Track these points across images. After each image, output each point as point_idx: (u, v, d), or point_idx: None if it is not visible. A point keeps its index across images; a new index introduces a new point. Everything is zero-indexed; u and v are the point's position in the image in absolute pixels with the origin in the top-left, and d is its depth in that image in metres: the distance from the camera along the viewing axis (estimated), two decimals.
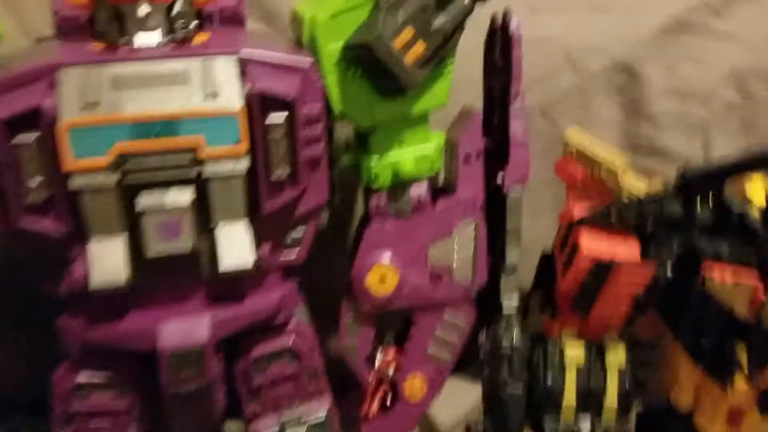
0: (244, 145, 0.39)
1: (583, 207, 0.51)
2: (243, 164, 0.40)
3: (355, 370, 0.52)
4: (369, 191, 0.49)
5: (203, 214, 0.41)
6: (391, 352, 0.54)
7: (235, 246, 0.42)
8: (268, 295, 0.46)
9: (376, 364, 0.54)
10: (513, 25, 0.47)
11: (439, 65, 0.45)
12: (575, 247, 0.50)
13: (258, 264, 0.44)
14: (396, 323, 0.54)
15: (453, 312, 0.52)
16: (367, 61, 0.42)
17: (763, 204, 0.51)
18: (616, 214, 0.49)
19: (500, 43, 0.50)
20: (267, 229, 0.44)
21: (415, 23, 0.42)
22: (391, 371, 0.53)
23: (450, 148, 0.50)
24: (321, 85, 0.43)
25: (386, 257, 0.49)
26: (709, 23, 0.63)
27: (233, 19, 0.47)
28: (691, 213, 0.49)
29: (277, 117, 0.40)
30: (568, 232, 0.52)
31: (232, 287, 0.45)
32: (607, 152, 0.53)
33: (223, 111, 0.38)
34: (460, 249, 0.50)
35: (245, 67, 0.40)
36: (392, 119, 0.47)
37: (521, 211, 0.50)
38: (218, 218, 0.41)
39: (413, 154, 0.48)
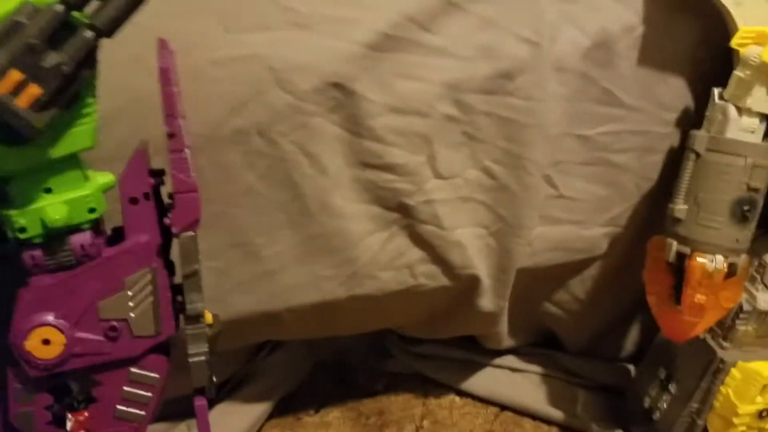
0: None
1: None
2: None
3: None
4: (23, 245, 0.44)
5: None
6: (82, 416, 0.49)
7: None
8: None
9: (68, 428, 0.48)
10: (160, 56, 0.43)
11: (75, 106, 0.41)
12: None
13: None
14: (86, 383, 0.49)
15: (140, 367, 0.48)
16: None
17: None
18: None
19: None
20: None
21: (22, 65, 0.37)
22: None
23: None
24: None
25: (48, 318, 0.44)
26: (419, 38, 0.63)
27: None
28: None
29: None
30: None
31: None
32: None
33: None
34: (137, 301, 0.46)
35: None
36: (27, 168, 0.41)
37: (196, 255, 0.46)
38: None
39: (64, 200, 0.43)
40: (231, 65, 0.57)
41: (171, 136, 0.43)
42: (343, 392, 0.89)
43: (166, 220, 0.45)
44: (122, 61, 0.52)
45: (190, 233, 0.45)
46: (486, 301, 0.76)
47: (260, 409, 0.81)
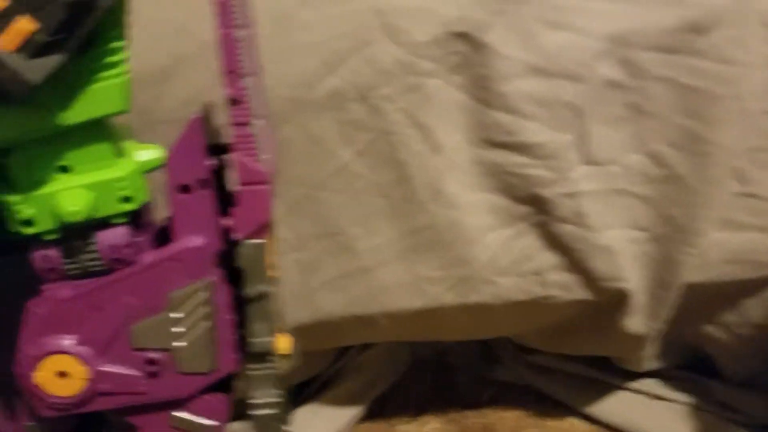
0: None
1: None
2: None
3: None
4: (29, 240, 0.32)
5: None
6: None
7: None
8: None
9: None
10: None
11: (93, 50, 0.28)
12: None
13: None
14: (119, 427, 0.37)
15: (189, 411, 0.36)
16: None
17: None
18: None
19: None
20: None
21: None
22: None
23: None
24: None
25: (66, 344, 0.33)
26: None
27: None
28: None
29: None
30: None
31: None
32: None
33: None
34: (186, 325, 0.34)
35: None
36: (31, 138, 0.30)
37: (264, 270, 0.33)
38: None
39: (86, 183, 0.31)
40: (328, 7, 0.44)
41: (233, 102, 0.30)
42: (444, 399, 0.78)
43: (226, 221, 0.32)
44: None
45: (257, 241, 0.32)
46: (635, 322, 0.61)
47: (351, 412, 0.72)
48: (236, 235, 0.32)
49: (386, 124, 0.49)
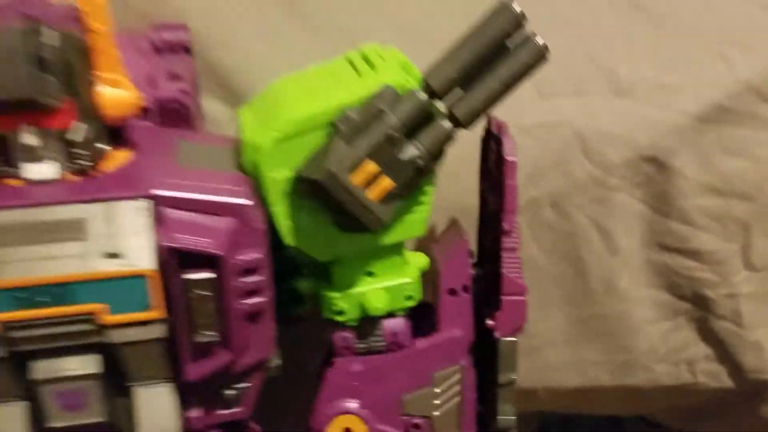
0: (157, 311, 0.32)
1: None
2: (156, 331, 0.32)
3: None
4: (333, 324, 0.42)
5: (116, 378, 0.34)
6: None
7: (156, 412, 0.35)
8: None
9: None
10: (506, 146, 0.38)
11: (415, 194, 0.37)
12: None
13: (187, 429, 0.37)
14: None
15: None
16: (320, 195, 0.35)
17: None
18: None
19: (494, 154, 0.41)
20: (198, 389, 0.36)
21: (379, 157, 0.34)
22: None
23: (433, 276, 0.42)
24: (262, 228, 0.35)
25: (353, 406, 0.42)
26: (757, 111, 0.53)
27: (176, 116, 0.40)
28: None
29: (201, 274, 0.32)
30: None
31: None
32: None
33: (128, 272, 0.31)
34: (443, 399, 0.42)
35: (160, 212, 0.32)
36: (355, 253, 0.39)
37: (516, 363, 0.41)
38: (134, 382, 0.34)
39: (385, 286, 0.40)
40: (538, 131, 0.52)
41: (506, 233, 0.39)
42: None
43: (490, 322, 0.40)
44: None
45: (513, 339, 0.40)
46: None
47: None
48: (497, 335, 0.40)
49: (572, 227, 0.56)
